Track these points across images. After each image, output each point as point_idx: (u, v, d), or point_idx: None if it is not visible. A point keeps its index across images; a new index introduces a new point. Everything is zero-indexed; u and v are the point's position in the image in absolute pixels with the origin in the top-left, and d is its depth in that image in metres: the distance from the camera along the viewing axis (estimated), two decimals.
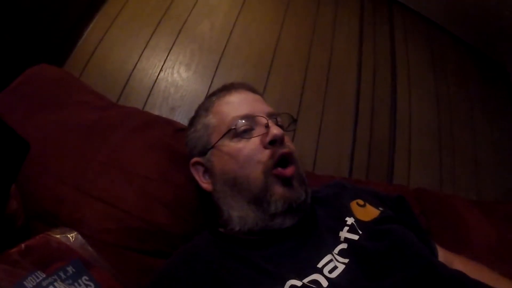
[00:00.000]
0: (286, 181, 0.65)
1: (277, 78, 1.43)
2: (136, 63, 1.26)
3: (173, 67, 1.29)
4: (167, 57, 1.30)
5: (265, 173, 0.65)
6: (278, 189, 0.64)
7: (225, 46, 1.40)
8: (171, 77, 1.27)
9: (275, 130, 0.66)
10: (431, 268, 0.55)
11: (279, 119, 0.74)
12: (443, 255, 0.73)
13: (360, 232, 0.63)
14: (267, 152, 0.66)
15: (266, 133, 0.67)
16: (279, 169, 0.65)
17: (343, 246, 0.61)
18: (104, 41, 1.25)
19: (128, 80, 1.22)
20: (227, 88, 0.80)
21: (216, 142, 0.72)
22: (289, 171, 0.65)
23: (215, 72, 1.34)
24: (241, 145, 0.68)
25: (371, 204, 0.72)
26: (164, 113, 1.19)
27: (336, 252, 0.60)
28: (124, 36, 1.28)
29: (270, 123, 0.69)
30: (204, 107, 0.80)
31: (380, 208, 0.71)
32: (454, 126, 1.68)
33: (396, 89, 1.65)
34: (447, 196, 1.21)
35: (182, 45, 1.34)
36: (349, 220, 0.66)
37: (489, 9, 1.83)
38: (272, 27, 1.55)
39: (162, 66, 1.28)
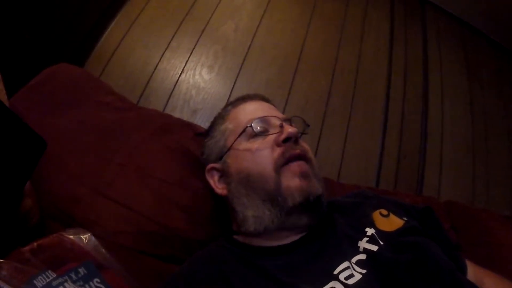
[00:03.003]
0: (301, 174, 0.66)
1: (302, 82, 1.40)
2: (157, 63, 1.25)
3: (195, 69, 1.28)
4: (189, 58, 1.29)
5: (276, 170, 0.66)
6: (294, 181, 0.65)
7: (249, 48, 1.38)
8: (193, 79, 1.26)
9: (289, 129, 0.69)
10: (456, 285, 0.53)
11: (293, 124, 0.77)
12: (473, 272, 0.69)
13: (381, 243, 0.61)
14: (279, 150, 0.68)
15: (281, 132, 0.70)
16: (290, 163, 0.67)
17: (362, 256, 0.60)
18: (125, 41, 1.26)
19: (149, 81, 1.21)
20: (242, 98, 0.85)
21: (233, 143, 0.74)
22: (301, 163, 0.67)
23: (238, 74, 1.33)
24: (256, 144, 0.71)
25: (395, 214, 0.70)
26: (185, 115, 1.18)
27: (354, 262, 0.59)
28: (145, 36, 1.28)
29: (284, 124, 0.72)
30: (220, 116, 0.84)
31: (405, 218, 0.68)
32: (488, 136, 1.60)
33: (428, 95, 1.59)
34: (480, 211, 1.15)
35: (205, 46, 1.33)
36: (369, 231, 0.64)
37: None
38: (298, 29, 1.52)
39: (184, 67, 1.27)
